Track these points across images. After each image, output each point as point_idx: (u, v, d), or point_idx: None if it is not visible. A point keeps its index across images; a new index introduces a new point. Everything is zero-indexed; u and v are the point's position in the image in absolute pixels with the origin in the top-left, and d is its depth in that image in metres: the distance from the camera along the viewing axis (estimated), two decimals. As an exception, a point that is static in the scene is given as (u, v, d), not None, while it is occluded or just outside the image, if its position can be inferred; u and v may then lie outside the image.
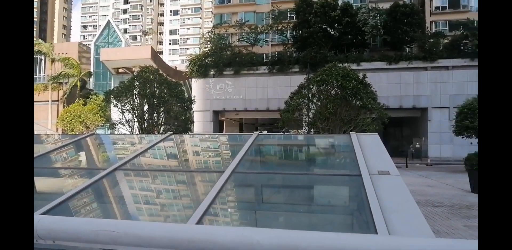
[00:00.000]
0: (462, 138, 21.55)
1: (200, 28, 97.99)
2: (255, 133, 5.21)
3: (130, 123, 20.20)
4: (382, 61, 33.06)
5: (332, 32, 36.18)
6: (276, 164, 4.82)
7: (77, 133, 30.38)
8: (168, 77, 23.32)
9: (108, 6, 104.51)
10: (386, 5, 35.78)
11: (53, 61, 40.75)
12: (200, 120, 35.20)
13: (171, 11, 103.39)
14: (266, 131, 5.83)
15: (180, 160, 5.06)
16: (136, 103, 20.31)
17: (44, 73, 45.67)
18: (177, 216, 3.44)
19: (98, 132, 33.34)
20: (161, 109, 20.66)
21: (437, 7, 39.90)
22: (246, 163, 4.28)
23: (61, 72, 39.89)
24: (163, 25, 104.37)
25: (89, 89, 46.72)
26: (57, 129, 36.54)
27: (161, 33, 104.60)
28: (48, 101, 40.05)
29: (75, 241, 2.50)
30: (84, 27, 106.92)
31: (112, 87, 31.49)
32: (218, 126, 38.43)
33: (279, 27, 38.78)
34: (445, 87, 31.84)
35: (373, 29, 34.73)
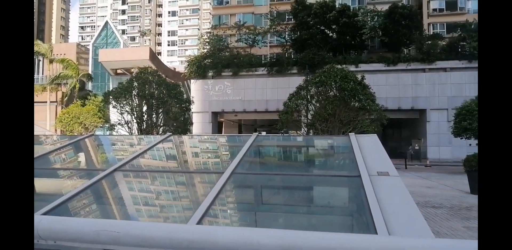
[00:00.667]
0: (461, 139, 21.58)
1: (198, 29, 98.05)
2: (254, 134, 5.21)
3: (129, 124, 20.18)
4: (380, 62, 33.14)
5: (330, 34, 36.28)
6: (276, 165, 4.83)
7: (76, 134, 30.34)
8: (166, 78, 23.29)
9: (106, 7, 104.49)
10: (385, 7, 35.88)
11: (51, 62, 40.72)
12: (199, 122, 35.21)
13: (169, 12, 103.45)
14: (265, 132, 5.84)
15: (180, 161, 5.07)
16: (135, 104, 20.30)
17: (43, 74, 45.65)
18: (177, 217, 3.44)
19: (97, 133, 33.31)
20: (160, 110, 20.65)
21: (434, 9, 40.01)
22: (246, 164, 4.29)
23: (59, 74, 39.86)
24: (161, 26, 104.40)
25: (88, 90, 46.69)
26: (55, 130, 36.48)
27: (160, 34, 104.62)
28: (46, 102, 40.01)
29: (76, 241, 2.50)
30: (82, 28, 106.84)
31: (110, 88, 31.47)
32: (217, 127, 38.42)
33: (277, 29, 38.86)
34: (443, 89, 31.92)
35: (371, 30, 34.84)
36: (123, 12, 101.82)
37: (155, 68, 23.68)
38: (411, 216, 2.69)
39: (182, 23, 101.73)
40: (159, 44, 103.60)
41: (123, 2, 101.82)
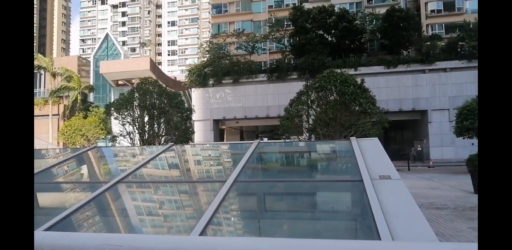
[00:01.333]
0: (463, 138, 21.50)
1: (198, 38, 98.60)
2: (255, 140, 5.23)
3: (131, 135, 20.21)
4: (380, 65, 33.19)
5: (329, 38, 36.41)
6: (278, 171, 4.84)
7: (78, 146, 30.39)
8: (167, 88, 23.38)
9: (106, 19, 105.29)
10: (382, 10, 36.01)
11: (53, 75, 40.95)
12: (200, 130, 35.27)
13: (168, 22, 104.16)
14: (267, 138, 5.84)
15: (182, 170, 5.08)
16: (137, 115, 20.35)
17: (44, 87, 45.87)
18: (180, 227, 3.44)
19: (99, 144, 33.37)
20: (162, 120, 20.69)
21: (432, 10, 40.11)
22: (248, 172, 4.29)
23: (61, 86, 40.07)
24: (161, 36, 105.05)
25: (90, 102, 46.89)
26: (58, 143, 36.57)
27: (160, 44, 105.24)
28: (48, 115, 40.17)
29: (79, 256, 2.50)
30: (83, 40, 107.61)
31: (112, 100, 31.60)
32: (219, 135, 38.46)
33: (276, 35, 39.04)
34: (444, 89, 31.88)
35: (371, 34, 34.94)
36: (123, 24, 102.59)
37: (156, 78, 23.76)
38: (414, 219, 2.68)
39: (182, 33, 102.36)
40: (160, 54, 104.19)
41: (123, 14, 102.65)
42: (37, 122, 34.18)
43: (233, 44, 43.07)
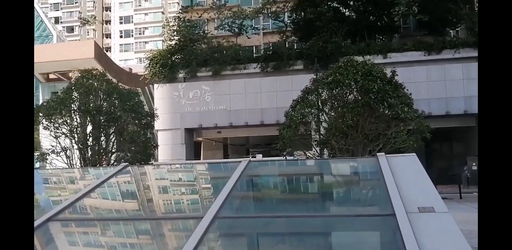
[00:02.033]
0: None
1: (162, 13, 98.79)
2: (245, 159, 5.27)
3: (68, 152, 20.09)
4: (418, 50, 33.34)
5: (348, 13, 36.56)
6: (277, 203, 4.88)
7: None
8: (119, 83, 23.31)
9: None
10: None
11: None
12: (167, 143, 34.89)
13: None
14: (261, 155, 5.93)
15: (141, 202, 5.09)
16: (76, 123, 20.25)
17: None
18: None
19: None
20: (111, 130, 20.62)
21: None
22: (234, 203, 4.35)
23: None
24: (110, 11, 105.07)
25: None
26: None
27: (108, 22, 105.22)
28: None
29: None
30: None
31: (40, 101, 31.42)
32: (194, 150, 38.21)
33: (273, 9, 39.00)
34: (508, 84, 32.17)
35: (405, 6, 35.07)
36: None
37: (103, 70, 23.74)
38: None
39: (140, 5, 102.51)
40: (108, 35, 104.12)
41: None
42: None
43: (213, 22, 43.14)
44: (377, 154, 5.09)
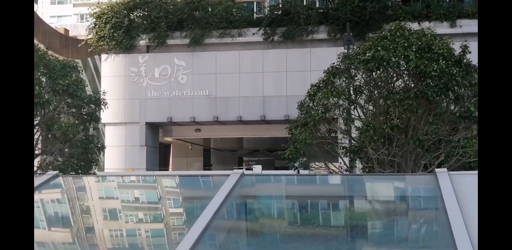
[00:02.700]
0: None
1: None
2: (235, 171, 4.58)
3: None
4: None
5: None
6: (282, 242, 4.15)
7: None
8: (48, 52, 19.87)
9: None
10: None
11: None
12: (119, 144, 27.71)
13: None
14: (260, 166, 5.82)
15: (76, 232, 4.39)
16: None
17: None
18: None
19: None
20: (35, 121, 17.38)
21: None
22: (216, 241, 3.87)
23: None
24: None
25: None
26: None
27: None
28: None
29: None
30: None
31: None
32: (159, 156, 31.53)
33: None
34: None
35: None
36: None
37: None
38: None
39: None
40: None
41: None
42: None
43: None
44: (436, 169, 4.37)
